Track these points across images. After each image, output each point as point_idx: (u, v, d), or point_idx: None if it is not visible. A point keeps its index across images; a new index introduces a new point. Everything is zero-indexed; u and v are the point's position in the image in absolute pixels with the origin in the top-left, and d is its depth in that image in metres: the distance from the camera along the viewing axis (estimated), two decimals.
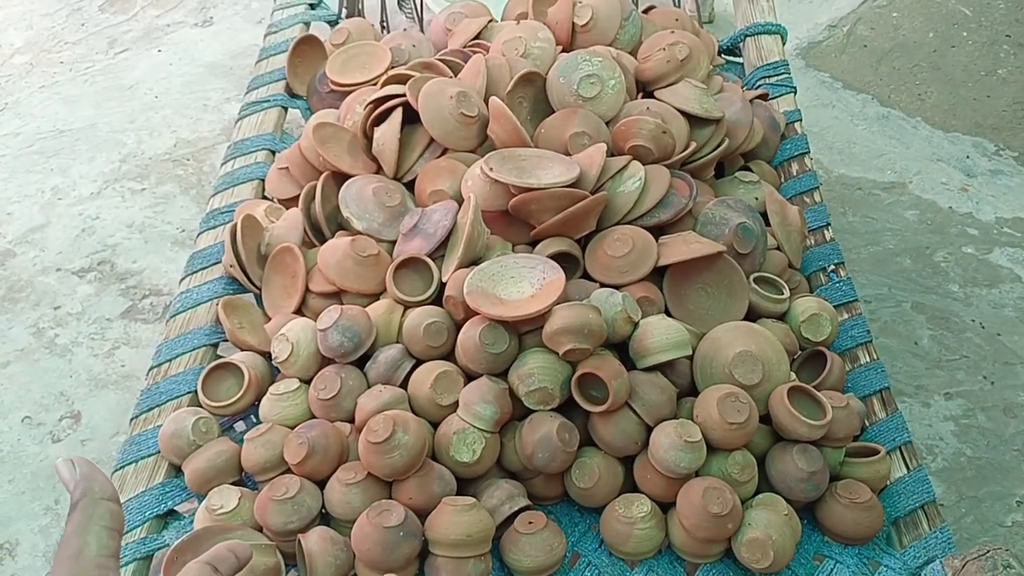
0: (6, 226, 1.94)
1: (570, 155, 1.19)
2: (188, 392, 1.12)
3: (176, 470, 1.06)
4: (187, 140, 2.15)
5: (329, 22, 1.79)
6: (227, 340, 1.19)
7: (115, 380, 1.66)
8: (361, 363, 1.08)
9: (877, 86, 2.25)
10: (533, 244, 1.16)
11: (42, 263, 1.86)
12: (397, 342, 1.09)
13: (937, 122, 2.15)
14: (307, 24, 1.74)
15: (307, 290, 1.18)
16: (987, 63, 2.30)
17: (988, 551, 0.92)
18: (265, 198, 1.39)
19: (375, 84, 1.39)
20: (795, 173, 1.43)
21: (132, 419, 1.11)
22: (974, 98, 2.21)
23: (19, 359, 1.69)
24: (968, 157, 2.07)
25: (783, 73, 1.61)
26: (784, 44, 1.68)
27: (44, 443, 1.57)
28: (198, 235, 1.34)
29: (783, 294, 1.17)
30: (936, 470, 1.51)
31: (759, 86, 1.58)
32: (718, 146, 1.29)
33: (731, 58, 1.73)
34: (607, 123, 1.25)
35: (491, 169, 1.12)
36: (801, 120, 1.53)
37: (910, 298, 1.77)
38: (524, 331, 1.04)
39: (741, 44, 1.71)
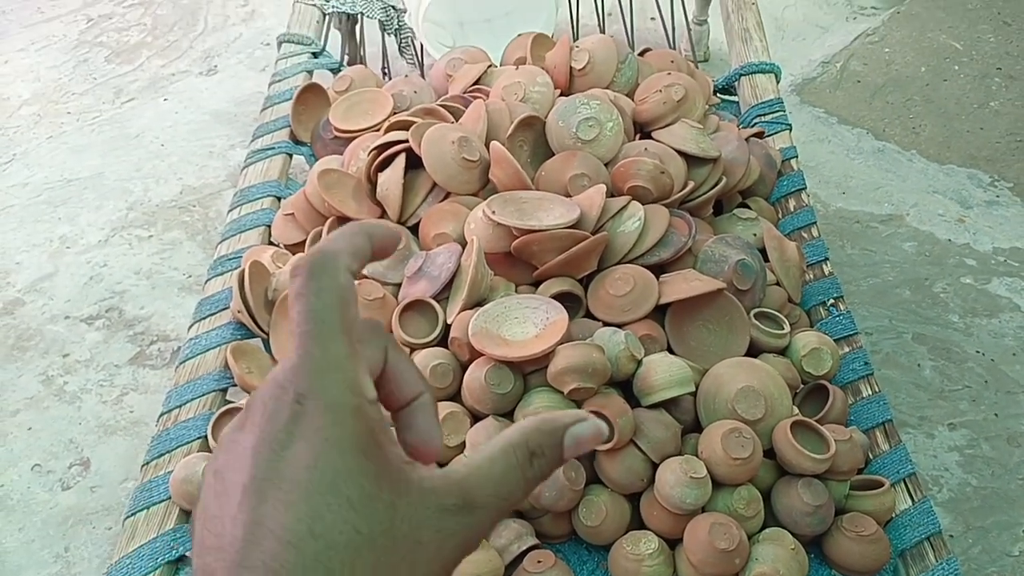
0: (15, 275, 1.96)
1: (570, 197, 1.22)
2: (198, 437, 1.14)
3: (187, 516, 1.07)
4: (193, 187, 2.18)
5: (332, 70, 1.82)
6: (236, 385, 1.20)
7: (124, 426, 1.67)
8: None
9: (871, 120, 2.28)
10: (536, 284, 1.18)
11: (51, 311, 1.88)
12: None
13: (932, 154, 2.18)
14: (310, 72, 1.78)
15: None
16: (979, 96, 2.33)
17: None
18: (271, 244, 1.41)
19: (378, 130, 1.42)
20: (792, 209, 1.46)
21: (143, 465, 1.13)
22: (968, 130, 2.24)
23: (28, 407, 1.71)
24: (964, 189, 2.10)
25: (778, 111, 1.64)
26: (778, 82, 1.71)
27: (54, 491, 1.58)
28: (206, 281, 1.37)
29: (783, 329, 1.18)
30: (942, 501, 1.51)
31: (755, 124, 1.61)
32: (716, 184, 1.31)
33: (726, 97, 1.76)
34: (606, 164, 1.27)
35: (493, 212, 1.14)
36: (797, 157, 1.55)
37: (911, 329, 1.79)
38: (529, 371, 1.05)
39: (736, 83, 1.75)
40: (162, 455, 1.13)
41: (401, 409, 0.37)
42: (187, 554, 1.04)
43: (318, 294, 0.34)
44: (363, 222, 0.40)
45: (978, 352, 1.75)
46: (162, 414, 1.18)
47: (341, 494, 0.31)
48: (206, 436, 1.13)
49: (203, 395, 1.19)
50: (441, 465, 0.36)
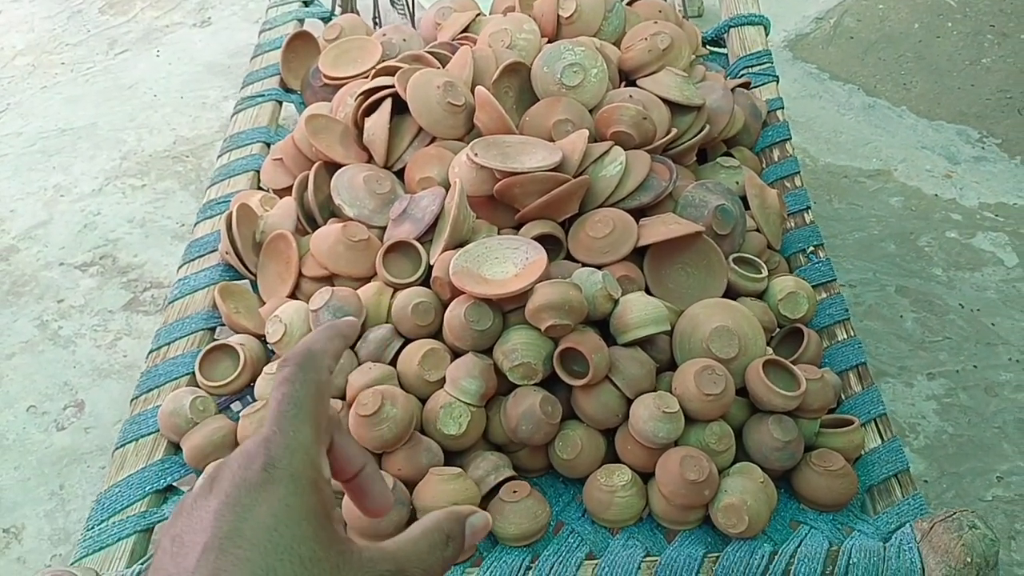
0: (10, 222, 1.98)
1: (554, 141, 1.23)
2: (186, 374, 1.17)
3: (175, 447, 1.10)
4: (186, 138, 2.19)
5: (322, 19, 1.83)
6: (224, 324, 1.23)
7: (117, 370, 1.70)
8: (352, 343, 1.11)
9: (863, 76, 2.29)
10: (518, 227, 1.20)
11: (45, 258, 1.90)
12: (386, 322, 1.12)
13: (922, 111, 2.19)
14: (301, 21, 1.78)
15: (300, 275, 1.22)
16: (972, 53, 2.33)
17: (955, 513, 0.96)
18: (260, 188, 1.43)
19: (367, 77, 1.43)
20: (776, 159, 1.47)
21: (132, 400, 1.15)
22: (959, 87, 2.24)
23: (24, 350, 1.73)
24: (952, 144, 2.11)
25: (766, 63, 1.64)
26: (767, 35, 1.72)
27: (49, 431, 1.61)
28: (195, 224, 1.39)
29: (761, 273, 1.20)
30: (918, 447, 1.55)
31: (742, 75, 1.62)
32: (699, 132, 1.33)
33: (716, 49, 1.77)
34: (590, 111, 1.28)
35: (476, 155, 1.16)
36: (783, 108, 1.56)
37: (894, 282, 1.81)
38: (508, 309, 1.07)
39: (725, 35, 1.75)
40: (151, 390, 1.16)
41: (351, 480, 0.43)
42: (174, 483, 1.07)
43: (301, 384, 0.40)
44: (337, 325, 0.45)
45: (960, 305, 1.77)
46: (151, 351, 1.21)
47: (295, 554, 0.35)
48: (194, 372, 1.15)
49: (191, 333, 1.22)
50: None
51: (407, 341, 1.11)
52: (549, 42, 1.41)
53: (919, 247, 1.88)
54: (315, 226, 1.27)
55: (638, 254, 1.16)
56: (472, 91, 1.28)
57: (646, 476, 1.04)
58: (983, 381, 1.65)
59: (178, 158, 2.13)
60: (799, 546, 0.98)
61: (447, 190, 1.20)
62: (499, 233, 1.19)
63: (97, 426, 1.62)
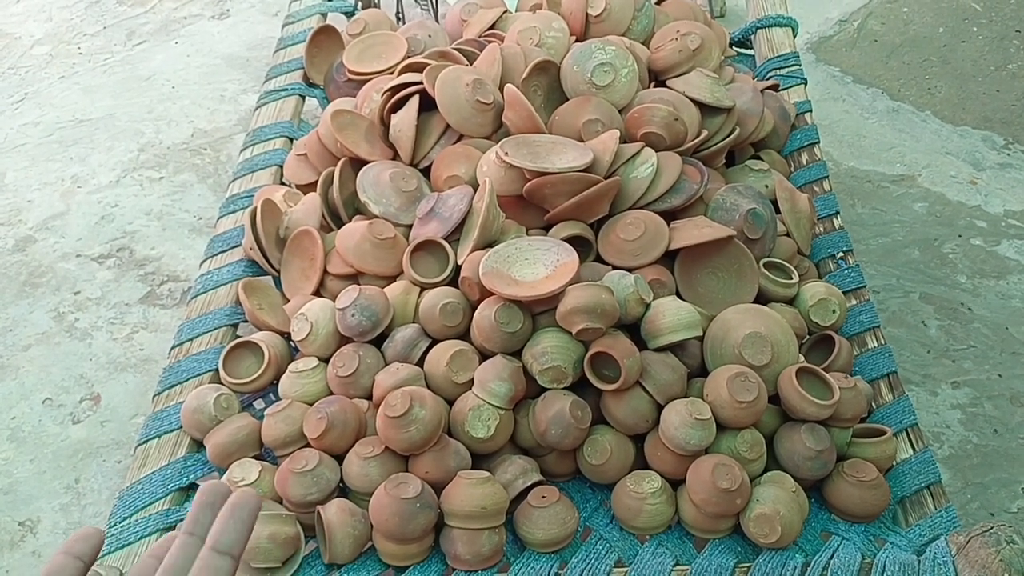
0: (27, 213, 1.97)
1: (584, 141, 1.22)
2: (209, 370, 1.15)
3: (198, 445, 1.09)
4: (204, 130, 2.18)
5: (346, 13, 1.81)
6: (247, 321, 1.22)
7: (134, 363, 1.69)
8: (378, 342, 1.10)
9: (887, 80, 2.27)
10: (547, 228, 1.18)
11: (62, 249, 1.89)
12: (414, 322, 1.11)
13: (946, 116, 2.17)
14: (324, 15, 1.77)
15: (325, 272, 1.20)
16: (997, 58, 2.31)
17: (992, 527, 0.94)
18: (283, 184, 1.41)
19: (392, 73, 1.42)
20: (805, 162, 1.45)
21: (155, 396, 1.14)
22: (984, 92, 2.22)
23: (40, 342, 1.72)
24: (977, 151, 2.08)
25: (794, 65, 1.63)
26: (795, 36, 1.70)
27: (64, 424, 1.60)
28: (218, 219, 1.37)
29: (792, 279, 1.19)
30: (943, 457, 1.53)
31: (770, 77, 1.60)
32: (729, 134, 1.31)
33: (742, 50, 1.75)
34: (620, 111, 1.27)
35: (506, 154, 1.14)
36: (811, 111, 1.54)
37: (918, 289, 1.79)
38: (538, 311, 1.06)
39: (752, 36, 1.73)
40: (173, 386, 1.14)
41: None
42: (197, 481, 1.06)
43: None
44: None
45: (985, 313, 1.75)
46: (173, 347, 1.19)
47: None
48: (217, 369, 1.14)
49: (214, 329, 1.20)
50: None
51: (434, 342, 1.09)
52: (577, 40, 1.40)
53: (943, 254, 1.86)
54: (340, 223, 1.26)
55: (669, 257, 1.15)
56: (500, 89, 1.27)
57: (675, 483, 1.02)
58: (1008, 391, 1.63)
59: (196, 151, 2.12)
60: (831, 558, 0.97)
61: (475, 189, 1.18)
62: (528, 234, 1.17)
63: (113, 420, 1.61)
